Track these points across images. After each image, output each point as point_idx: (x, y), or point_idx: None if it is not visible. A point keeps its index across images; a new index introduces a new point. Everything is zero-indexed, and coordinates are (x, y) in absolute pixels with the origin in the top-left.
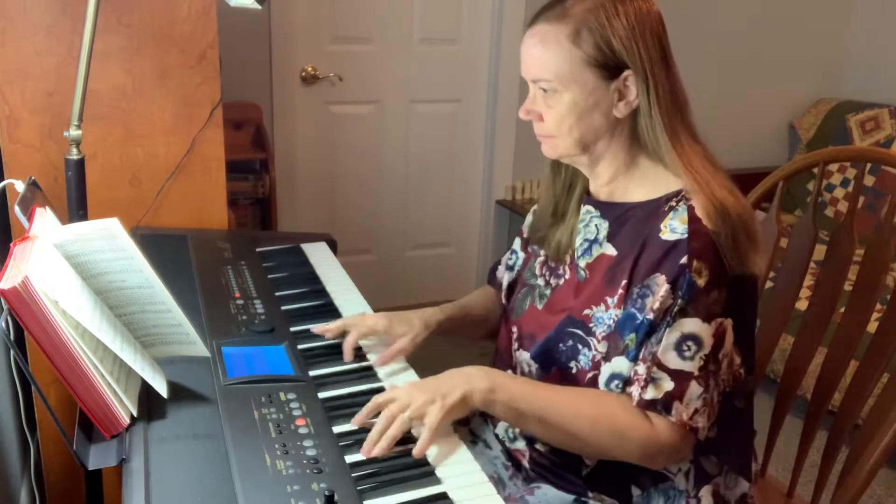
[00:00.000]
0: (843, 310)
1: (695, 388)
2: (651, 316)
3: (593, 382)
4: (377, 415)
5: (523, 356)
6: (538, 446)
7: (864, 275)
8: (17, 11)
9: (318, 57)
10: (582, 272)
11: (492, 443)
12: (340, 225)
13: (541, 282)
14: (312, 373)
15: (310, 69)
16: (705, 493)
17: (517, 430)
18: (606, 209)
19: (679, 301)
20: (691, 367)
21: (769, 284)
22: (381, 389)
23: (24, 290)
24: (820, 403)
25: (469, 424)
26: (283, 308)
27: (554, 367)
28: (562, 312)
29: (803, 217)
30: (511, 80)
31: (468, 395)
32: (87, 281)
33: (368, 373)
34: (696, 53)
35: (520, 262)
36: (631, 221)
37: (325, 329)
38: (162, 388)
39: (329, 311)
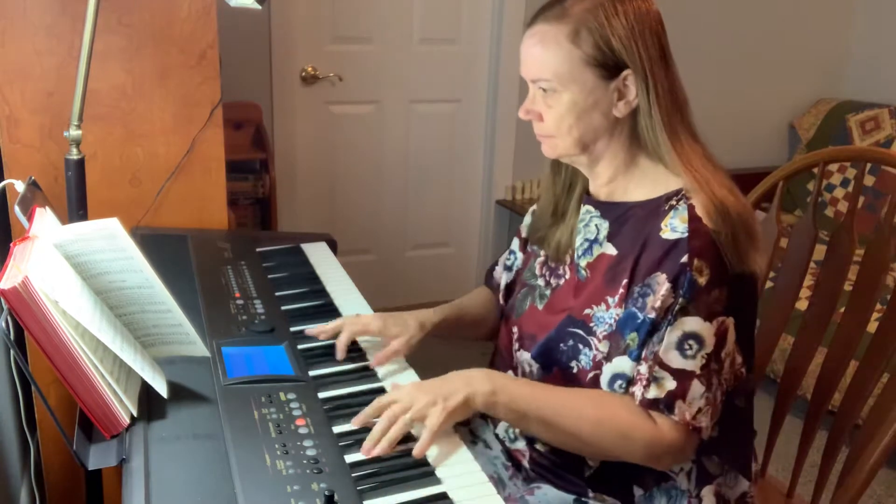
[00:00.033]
0: (843, 310)
1: (697, 387)
2: (652, 315)
3: (595, 382)
4: (379, 415)
5: (524, 356)
6: (538, 446)
7: (864, 275)
8: (17, 11)
9: (318, 57)
10: (582, 272)
11: (492, 443)
12: (340, 225)
13: (541, 282)
14: (312, 373)
15: (310, 69)
16: (707, 492)
17: (517, 431)
18: (606, 209)
19: (680, 300)
20: (693, 365)
21: (769, 284)
22: (381, 389)
23: (24, 290)
24: (820, 403)
25: (469, 424)
26: (283, 308)
27: (555, 366)
28: (562, 312)
29: (803, 217)
30: (511, 80)
31: (470, 397)
32: (87, 281)
33: (368, 373)
34: (696, 53)
35: (518, 262)
36: (631, 221)
37: (320, 330)
38: (162, 388)
39: (329, 311)
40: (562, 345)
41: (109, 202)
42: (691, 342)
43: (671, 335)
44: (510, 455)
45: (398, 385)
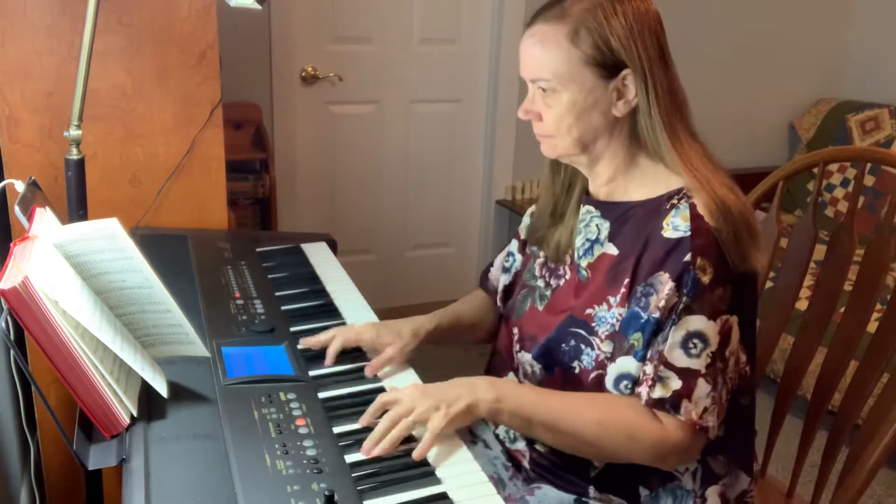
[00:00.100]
0: (843, 310)
1: (703, 387)
2: (657, 314)
3: (597, 382)
4: (381, 414)
5: (525, 357)
6: (538, 447)
7: (864, 275)
8: (17, 11)
9: (318, 57)
10: (583, 272)
11: (492, 443)
12: (340, 225)
13: (541, 283)
14: (312, 373)
15: (310, 69)
16: (711, 493)
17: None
18: (607, 209)
19: (684, 299)
20: (698, 364)
21: (769, 284)
22: (380, 390)
23: (24, 290)
24: (820, 403)
25: (469, 425)
26: (283, 308)
27: (557, 367)
28: (563, 313)
29: (803, 217)
30: (511, 80)
31: (473, 405)
32: (87, 281)
33: None
34: (696, 53)
35: (517, 264)
36: (632, 221)
37: (314, 342)
38: (162, 388)
39: (329, 311)
40: (563, 345)
41: (109, 202)
42: (696, 341)
43: (675, 334)
44: (510, 455)
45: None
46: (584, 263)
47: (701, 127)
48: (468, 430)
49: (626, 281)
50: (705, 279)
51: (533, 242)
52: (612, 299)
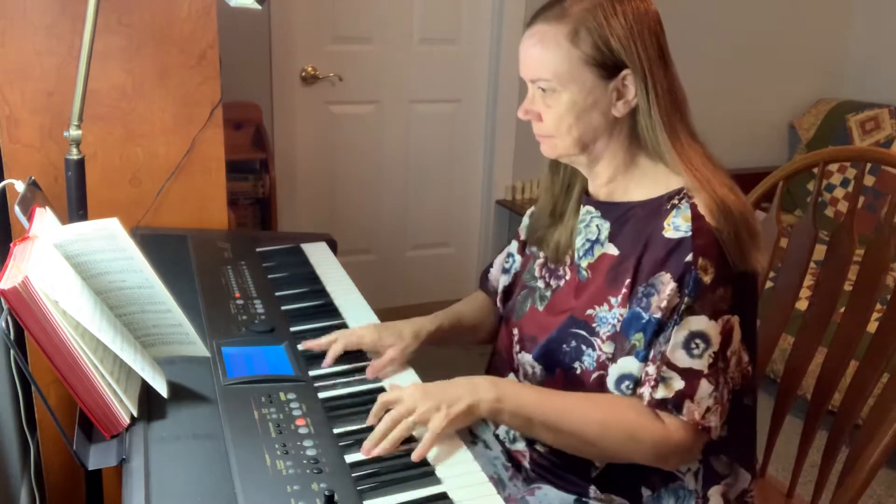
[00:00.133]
0: (843, 310)
1: (705, 387)
2: (658, 315)
3: (599, 383)
4: (382, 413)
5: (525, 358)
6: (538, 447)
7: (864, 275)
8: (17, 11)
9: (318, 57)
10: (583, 272)
11: (491, 443)
12: (340, 225)
13: (541, 283)
14: (312, 373)
15: (310, 69)
16: (714, 493)
17: (518, 432)
18: (607, 209)
19: (686, 299)
20: (700, 365)
21: (769, 284)
22: (381, 390)
23: (24, 290)
24: (820, 403)
25: (470, 425)
26: (283, 308)
27: (557, 368)
28: (563, 313)
29: (803, 217)
30: (511, 80)
31: (474, 405)
32: (87, 281)
33: None
34: (696, 53)
35: (517, 265)
36: (632, 221)
37: (315, 344)
38: (162, 388)
39: (329, 311)
40: (564, 346)
41: (109, 202)
42: (698, 341)
43: (678, 335)
44: (510, 456)
45: (397, 385)
46: (584, 264)
47: (701, 127)
48: (468, 431)
49: (627, 281)
50: (707, 279)
51: (532, 243)
52: (612, 300)
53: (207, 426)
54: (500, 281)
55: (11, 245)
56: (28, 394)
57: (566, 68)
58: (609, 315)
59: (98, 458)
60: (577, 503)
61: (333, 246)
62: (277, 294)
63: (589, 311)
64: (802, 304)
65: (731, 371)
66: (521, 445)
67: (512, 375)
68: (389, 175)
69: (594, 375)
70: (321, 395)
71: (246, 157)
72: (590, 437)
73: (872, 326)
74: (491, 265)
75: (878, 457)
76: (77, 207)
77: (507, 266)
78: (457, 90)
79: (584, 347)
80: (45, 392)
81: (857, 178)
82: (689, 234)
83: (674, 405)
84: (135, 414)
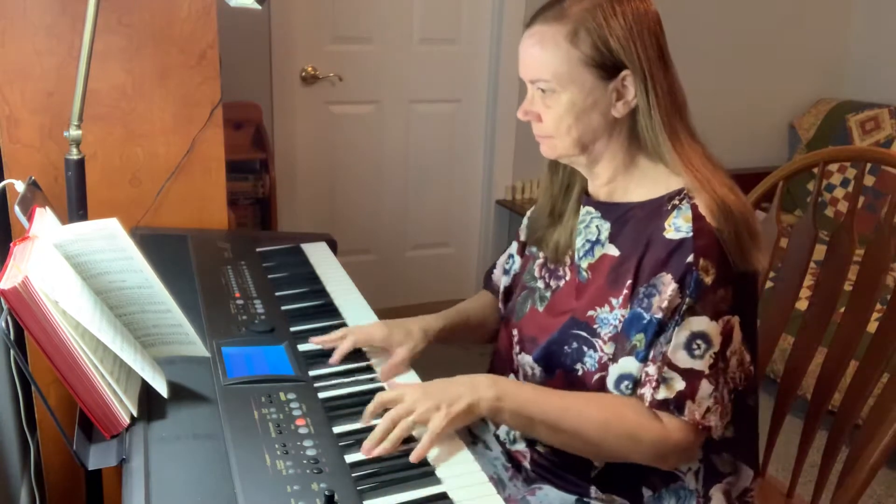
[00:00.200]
0: (843, 310)
1: (706, 387)
2: (659, 315)
3: (600, 384)
4: (380, 413)
5: (525, 359)
6: (539, 447)
7: (864, 275)
8: (17, 11)
9: (318, 57)
10: (584, 273)
11: (491, 444)
12: (340, 225)
13: (540, 284)
14: (312, 373)
15: (310, 69)
16: (715, 491)
17: (517, 432)
18: (607, 210)
19: (687, 300)
20: (701, 365)
21: (769, 284)
22: (381, 389)
23: (24, 290)
24: (820, 403)
25: (469, 425)
26: (283, 308)
27: (558, 369)
28: (564, 314)
29: (803, 217)
30: (511, 80)
31: (474, 404)
32: (87, 281)
33: (368, 373)
34: (696, 53)
35: (517, 266)
36: (632, 221)
37: (324, 340)
38: (162, 388)
39: (329, 311)
40: (566, 347)
41: (109, 202)
42: (699, 342)
43: (679, 335)
44: (510, 456)
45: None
46: (584, 264)
47: (701, 127)
48: (468, 431)
49: (629, 282)
50: (708, 280)
51: (532, 243)
52: (614, 301)
53: (207, 426)
54: (502, 282)
55: (11, 245)
56: (28, 394)
57: (566, 69)
58: (610, 316)
59: (98, 458)
60: (578, 503)
61: (333, 246)
62: (277, 294)
63: (590, 312)
64: (802, 304)
65: (732, 371)
66: (521, 446)
67: (512, 376)
68: (389, 175)
69: (596, 377)
70: (321, 395)
71: (246, 157)
72: (590, 436)
73: (872, 326)
74: (494, 266)
75: (878, 457)
76: (77, 207)
77: (507, 267)
78: (457, 90)
79: (585, 349)
80: (45, 392)
81: (857, 178)
82: (690, 234)
83: (675, 406)
84: (135, 414)
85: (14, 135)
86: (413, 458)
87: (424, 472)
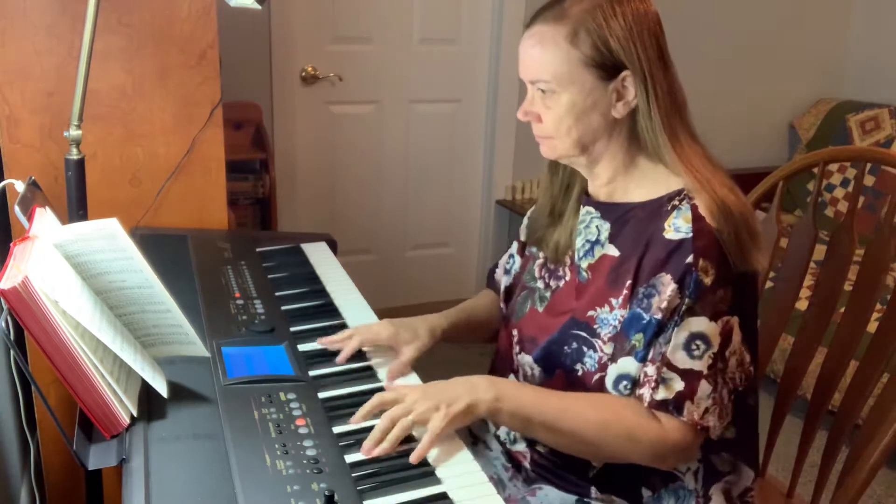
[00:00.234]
0: (843, 310)
1: (705, 387)
2: (659, 316)
3: (600, 384)
4: (378, 413)
5: (525, 359)
6: (539, 448)
7: (864, 275)
8: (17, 11)
9: (318, 57)
10: (584, 273)
11: (492, 444)
12: (340, 225)
13: (540, 284)
14: (312, 373)
15: (310, 69)
16: (715, 491)
17: (518, 433)
18: (607, 210)
19: (686, 300)
20: (700, 366)
21: (769, 284)
22: (380, 389)
23: (24, 290)
24: (820, 403)
25: (468, 426)
26: (283, 308)
27: (558, 369)
28: (563, 314)
29: (803, 217)
30: (511, 80)
31: (473, 405)
32: (87, 281)
33: (368, 373)
34: (696, 53)
35: (517, 266)
36: (632, 222)
37: (331, 341)
38: (162, 388)
39: (329, 311)
40: (566, 347)
41: (109, 202)
42: (698, 342)
43: (678, 336)
44: (510, 456)
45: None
46: (584, 265)
47: (701, 127)
48: (468, 431)
49: (629, 283)
50: (707, 280)
51: (532, 243)
52: (613, 301)
53: (207, 426)
54: (503, 282)
55: (11, 245)
56: (28, 394)
57: (566, 69)
58: (610, 316)
59: (98, 458)
60: (578, 503)
61: (333, 246)
62: (277, 294)
63: (590, 313)
64: (802, 304)
65: (732, 371)
66: (521, 446)
67: (512, 376)
68: (389, 175)
69: (595, 377)
70: (321, 395)
71: (246, 157)
72: (588, 437)
73: (872, 326)
74: (496, 265)
75: (878, 457)
76: (77, 207)
77: (507, 267)
78: (457, 90)
79: (585, 349)
80: (45, 392)
81: (857, 178)
82: (690, 235)
83: (674, 406)
84: (135, 414)
85: (14, 135)
86: (413, 458)
87: (424, 472)
